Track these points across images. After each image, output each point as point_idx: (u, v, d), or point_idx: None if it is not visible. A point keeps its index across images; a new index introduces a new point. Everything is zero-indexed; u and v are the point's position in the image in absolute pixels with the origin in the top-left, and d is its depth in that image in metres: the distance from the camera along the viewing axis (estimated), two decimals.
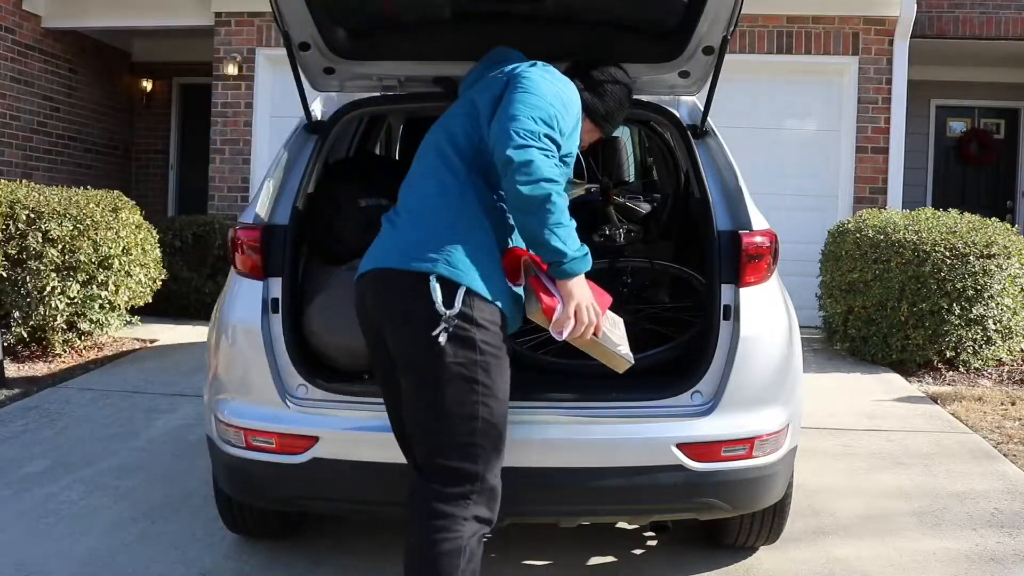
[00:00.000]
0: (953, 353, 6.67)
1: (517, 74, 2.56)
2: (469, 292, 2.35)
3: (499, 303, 2.42)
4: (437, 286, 2.33)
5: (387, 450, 2.74)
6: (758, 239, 3.04)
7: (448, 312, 2.31)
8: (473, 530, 2.35)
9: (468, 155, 2.52)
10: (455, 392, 2.35)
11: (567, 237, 2.38)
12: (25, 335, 6.40)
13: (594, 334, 2.50)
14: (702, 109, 3.40)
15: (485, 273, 2.39)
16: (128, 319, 7.05)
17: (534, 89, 2.48)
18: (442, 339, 2.30)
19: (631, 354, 2.70)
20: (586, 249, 2.45)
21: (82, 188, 6.87)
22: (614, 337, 2.64)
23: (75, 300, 6.40)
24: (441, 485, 2.35)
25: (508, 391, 2.46)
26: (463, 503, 2.35)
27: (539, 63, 2.65)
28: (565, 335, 2.45)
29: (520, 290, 2.51)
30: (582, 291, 2.44)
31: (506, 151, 2.32)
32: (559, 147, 2.42)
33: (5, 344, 6.17)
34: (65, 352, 6.69)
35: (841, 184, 8.71)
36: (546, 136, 2.38)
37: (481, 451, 2.37)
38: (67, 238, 6.28)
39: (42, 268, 6.21)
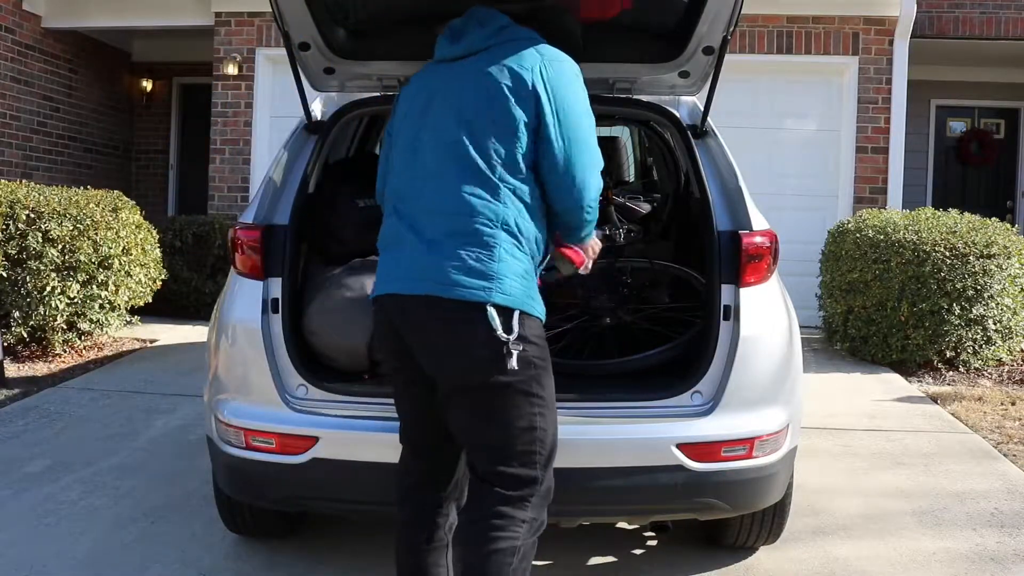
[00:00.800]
0: (953, 353, 6.67)
1: (553, 95, 2.43)
2: (522, 314, 2.38)
3: (540, 316, 2.47)
4: (495, 313, 2.33)
5: (387, 450, 2.74)
6: (758, 239, 3.04)
7: (510, 338, 2.33)
8: (531, 531, 2.41)
9: (499, 170, 2.42)
10: (514, 407, 2.39)
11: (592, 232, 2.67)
12: (25, 335, 6.40)
13: None
14: (702, 109, 3.40)
15: (530, 291, 2.43)
16: (128, 319, 7.06)
17: (580, 122, 2.47)
18: (511, 365, 2.33)
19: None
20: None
21: (82, 188, 6.87)
22: None
23: (75, 300, 6.40)
24: (504, 489, 2.40)
25: (555, 395, 2.51)
26: (523, 506, 2.40)
27: (553, 59, 2.49)
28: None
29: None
30: (594, 240, 2.75)
31: (580, 221, 2.55)
32: None
33: (5, 344, 6.17)
34: (65, 352, 6.69)
35: (841, 184, 8.71)
36: (601, 184, 2.54)
37: (539, 457, 2.43)
38: (67, 238, 6.29)
39: (42, 268, 6.21)
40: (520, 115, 2.42)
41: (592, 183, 2.49)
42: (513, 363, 2.33)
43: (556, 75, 2.47)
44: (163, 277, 7.27)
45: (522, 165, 2.43)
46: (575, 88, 2.51)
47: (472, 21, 2.59)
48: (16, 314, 6.26)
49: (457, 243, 2.38)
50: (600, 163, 2.53)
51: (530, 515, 2.41)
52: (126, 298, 6.78)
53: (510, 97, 2.42)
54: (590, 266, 2.77)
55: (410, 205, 2.50)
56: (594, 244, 2.76)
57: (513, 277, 2.38)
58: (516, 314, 2.36)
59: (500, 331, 2.32)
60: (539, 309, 2.46)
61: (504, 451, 2.41)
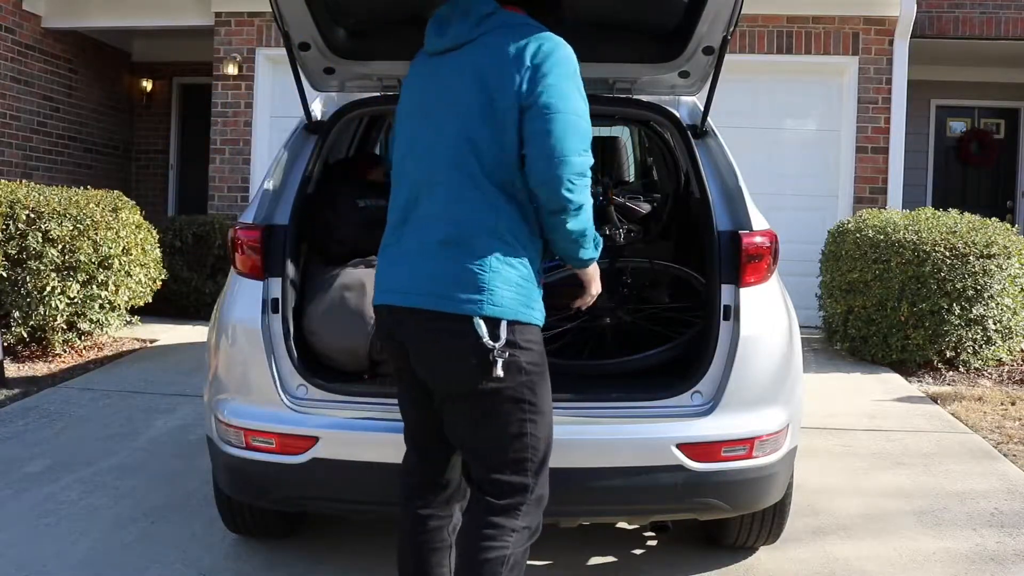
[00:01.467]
0: (953, 353, 6.67)
1: (542, 76, 2.33)
2: (511, 321, 2.35)
3: (537, 323, 2.42)
4: (482, 323, 2.31)
5: (387, 450, 2.74)
6: (758, 239, 3.04)
7: (496, 346, 2.30)
8: (523, 540, 2.39)
9: (492, 169, 2.37)
10: (505, 414, 2.37)
11: (592, 245, 2.47)
12: (25, 335, 6.40)
13: None
14: (702, 109, 3.40)
15: (524, 299, 2.38)
16: (128, 319, 7.06)
17: (570, 106, 2.33)
18: (496, 372, 2.30)
19: None
20: (600, 240, 2.51)
21: (82, 188, 6.87)
22: None
23: (75, 300, 6.40)
24: (495, 498, 2.39)
25: (551, 402, 2.47)
26: (514, 514, 2.39)
27: (546, 39, 2.39)
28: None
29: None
30: (595, 271, 2.59)
31: (560, 200, 2.31)
32: None
33: (5, 344, 6.17)
34: (65, 352, 6.69)
35: (841, 184, 8.71)
36: (590, 164, 2.36)
37: (531, 464, 2.41)
38: (67, 238, 6.29)
39: (42, 268, 6.21)
40: (513, 101, 2.33)
41: (575, 160, 2.30)
42: (499, 370, 2.30)
43: (547, 52, 2.37)
44: (163, 277, 7.27)
45: (518, 159, 2.36)
46: (567, 66, 2.40)
47: (456, 10, 2.48)
48: (16, 314, 6.26)
49: (448, 253, 2.35)
50: (588, 142, 2.36)
51: (521, 524, 2.39)
52: (126, 298, 6.78)
53: (503, 86, 2.35)
54: (589, 300, 2.66)
55: (407, 210, 2.48)
56: (595, 274, 2.61)
57: (505, 286, 2.34)
58: (504, 322, 2.33)
59: (486, 339, 2.30)
60: (536, 316, 2.41)
61: (495, 458, 2.40)
